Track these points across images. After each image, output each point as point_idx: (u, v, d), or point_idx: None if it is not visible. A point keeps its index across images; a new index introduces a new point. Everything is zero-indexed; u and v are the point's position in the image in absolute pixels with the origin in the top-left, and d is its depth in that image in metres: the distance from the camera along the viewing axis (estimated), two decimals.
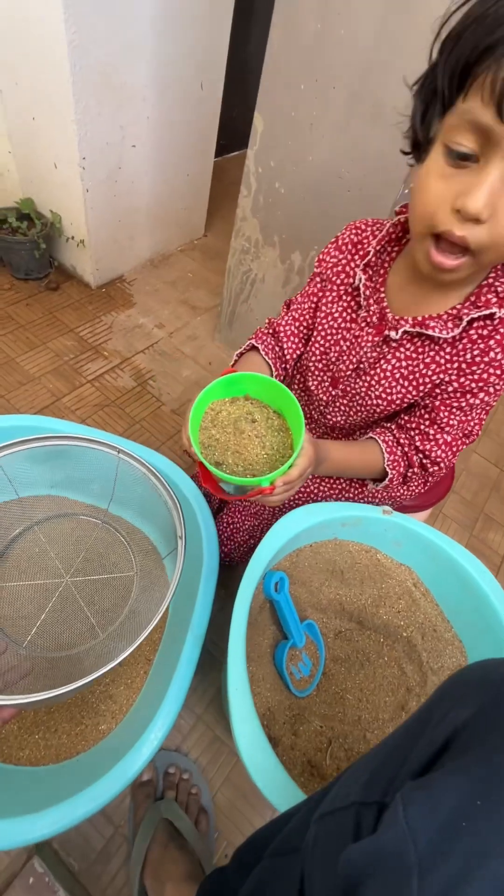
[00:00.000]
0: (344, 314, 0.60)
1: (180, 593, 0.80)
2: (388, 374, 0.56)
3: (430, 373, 0.54)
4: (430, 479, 0.62)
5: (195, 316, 1.39)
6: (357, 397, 0.62)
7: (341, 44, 0.70)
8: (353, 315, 0.59)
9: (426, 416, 0.57)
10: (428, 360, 0.53)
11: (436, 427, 0.56)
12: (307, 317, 0.65)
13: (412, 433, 0.59)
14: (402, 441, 0.60)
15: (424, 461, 0.59)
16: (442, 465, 0.58)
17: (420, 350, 0.54)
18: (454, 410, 0.55)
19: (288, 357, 0.67)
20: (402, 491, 0.66)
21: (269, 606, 0.67)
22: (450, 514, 1.15)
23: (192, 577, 0.70)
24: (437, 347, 0.53)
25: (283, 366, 0.68)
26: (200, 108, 1.30)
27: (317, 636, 0.68)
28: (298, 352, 0.68)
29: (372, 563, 0.70)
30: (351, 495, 0.68)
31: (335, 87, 0.74)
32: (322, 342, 0.63)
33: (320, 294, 0.62)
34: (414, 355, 0.54)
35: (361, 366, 0.59)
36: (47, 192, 1.23)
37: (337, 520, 0.64)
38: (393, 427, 0.60)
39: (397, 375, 0.56)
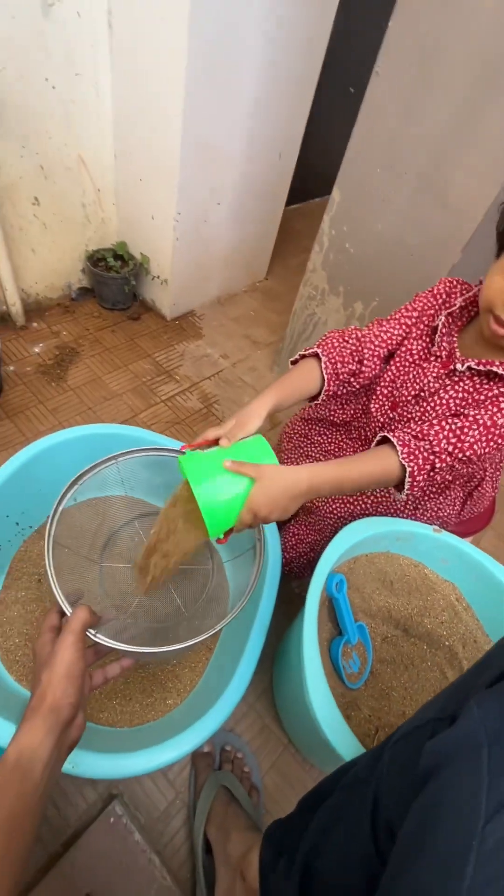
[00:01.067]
0: (420, 350, 0.70)
1: (243, 587, 0.91)
2: (444, 402, 0.67)
3: None
4: (457, 463, 0.59)
5: (256, 350, 1.55)
6: (411, 422, 0.72)
7: (416, 140, 0.85)
8: (426, 352, 0.70)
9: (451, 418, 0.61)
10: (481, 398, 0.64)
11: (461, 417, 0.60)
12: (394, 343, 0.72)
13: (434, 427, 0.61)
14: (417, 434, 0.60)
15: (451, 443, 0.58)
16: (471, 448, 0.58)
17: (477, 386, 0.64)
18: (485, 406, 0.60)
19: (362, 371, 0.70)
20: (431, 491, 0.72)
21: (328, 606, 0.76)
22: (486, 547, 1.21)
23: (258, 585, 0.81)
24: (490, 384, 0.63)
25: (336, 381, 0.70)
26: (276, 173, 1.50)
27: (366, 638, 0.76)
28: (375, 371, 0.72)
29: (419, 577, 0.79)
30: (405, 515, 0.78)
31: (407, 173, 0.89)
32: (395, 370, 0.73)
33: (411, 328, 0.71)
34: (471, 389, 0.65)
35: (422, 394, 0.69)
36: (141, 238, 1.43)
37: (392, 533, 0.74)
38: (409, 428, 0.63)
39: (451, 405, 0.66)
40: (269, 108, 1.30)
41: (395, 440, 0.60)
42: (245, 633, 0.72)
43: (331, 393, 0.71)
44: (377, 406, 0.76)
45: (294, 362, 0.72)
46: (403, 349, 0.72)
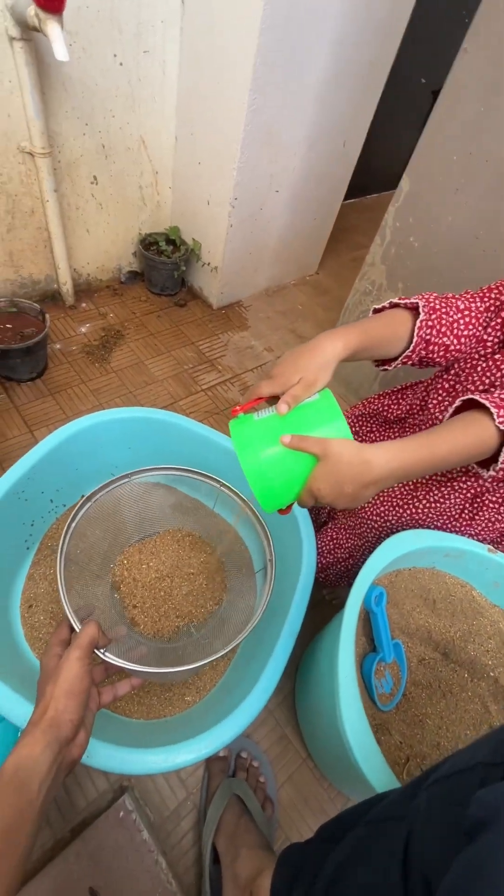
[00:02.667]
0: (495, 341, 0.61)
1: (273, 591, 0.87)
2: None
3: None
4: None
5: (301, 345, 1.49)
6: None
7: (502, 125, 0.78)
8: (500, 343, 0.61)
9: None
10: None
11: None
12: (479, 329, 0.60)
13: None
14: None
15: None
16: None
17: None
18: None
19: (455, 347, 0.58)
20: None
21: (363, 619, 0.71)
22: None
23: (288, 581, 0.77)
24: None
25: (424, 349, 0.58)
26: (338, 163, 1.44)
27: (401, 657, 0.71)
28: (465, 352, 0.60)
29: (466, 599, 0.73)
30: (461, 524, 0.70)
31: (487, 161, 0.82)
32: (461, 361, 0.63)
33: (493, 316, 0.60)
34: None
35: (492, 388, 0.60)
36: (194, 224, 1.41)
37: (441, 549, 0.68)
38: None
39: None
40: (338, 94, 1.24)
41: (488, 403, 0.48)
42: (272, 639, 0.68)
43: (409, 363, 0.59)
44: (436, 401, 0.68)
45: (378, 311, 0.60)
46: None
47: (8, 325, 1.11)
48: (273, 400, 0.53)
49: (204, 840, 0.64)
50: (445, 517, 0.71)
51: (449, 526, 0.71)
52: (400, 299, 0.60)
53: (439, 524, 0.70)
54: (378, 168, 2.24)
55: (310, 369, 0.51)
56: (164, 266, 1.41)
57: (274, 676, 0.63)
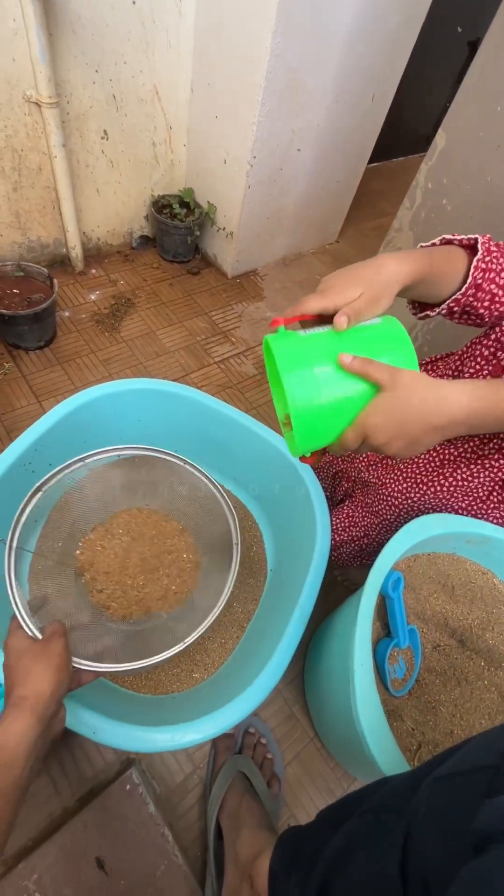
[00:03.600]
0: None
1: (284, 569, 0.85)
2: None
3: None
4: None
5: None
6: None
7: None
8: None
9: None
10: None
11: None
12: None
13: None
14: None
15: None
16: None
17: None
18: None
19: (496, 293, 0.49)
20: None
21: (379, 604, 0.69)
22: None
23: (302, 559, 0.74)
24: None
25: (474, 295, 0.49)
26: (365, 119, 1.34)
27: (416, 643, 0.69)
28: (502, 300, 0.51)
29: (487, 586, 0.70)
30: (488, 507, 0.66)
31: None
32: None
33: None
34: None
35: None
36: (209, 185, 1.33)
37: (464, 535, 0.65)
38: None
39: None
40: (368, 42, 1.14)
41: None
42: (284, 619, 0.66)
43: (454, 308, 0.50)
44: (473, 370, 0.61)
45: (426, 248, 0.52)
46: None
47: (15, 291, 1.07)
48: (322, 321, 0.44)
49: (209, 816, 0.64)
50: (471, 498, 0.67)
51: (475, 508, 0.67)
52: (453, 236, 0.52)
53: (464, 505, 0.66)
54: (407, 127, 2.10)
55: (375, 284, 0.42)
56: (177, 231, 1.34)
57: (284, 659, 0.61)
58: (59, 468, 0.65)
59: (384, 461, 0.74)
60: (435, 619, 0.71)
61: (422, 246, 0.53)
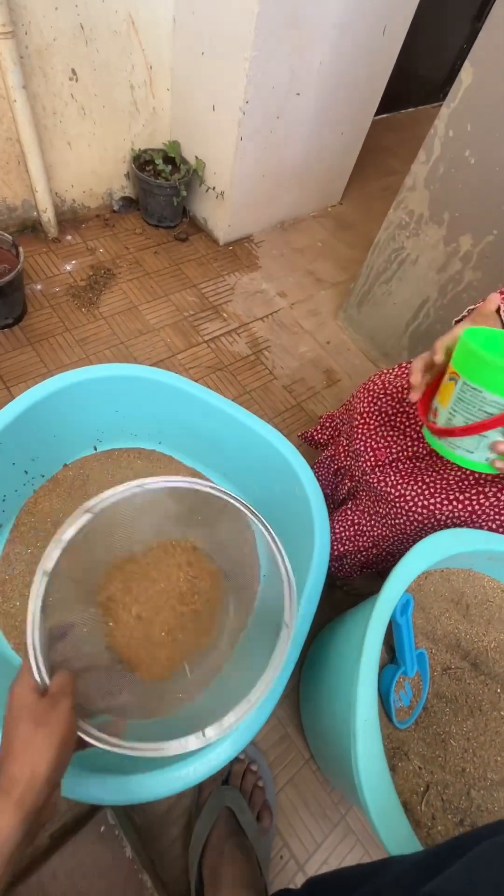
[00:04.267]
0: None
1: (279, 577, 0.77)
2: None
3: None
4: None
5: (319, 289, 1.31)
6: None
7: None
8: None
9: None
10: None
11: None
12: None
13: None
14: None
15: None
16: None
17: None
18: None
19: None
20: None
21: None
22: None
23: (298, 566, 0.66)
24: None
25: None
26: (375, 59, 1.17)
27: (425, 668, 0.62)
28: None
29: None
30: None
31: None
32: None
33: None
34: None
35: None
36: (197, 137, 1.18)
37: (486, 552, 0.56)
38: None
39: None
40: None
41: None
42: (272, 645, 0.58)
43: None
44: None
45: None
46: None
47: None
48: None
49: (191, 860, 0.58)
50: None
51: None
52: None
53: (496, 525, 0.57)
54: (420, 72, 1.89)
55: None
56: (161, 191, 1.19)
57: (275, 692, 0.54)
58: (113, 493, 0.50)
59: (396, 466, 0.64)
60: (446, 640, 0.63)
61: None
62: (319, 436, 0.89)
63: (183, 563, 0.64)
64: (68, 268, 1.16)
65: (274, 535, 0.55)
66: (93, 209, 1.26)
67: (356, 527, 0.69)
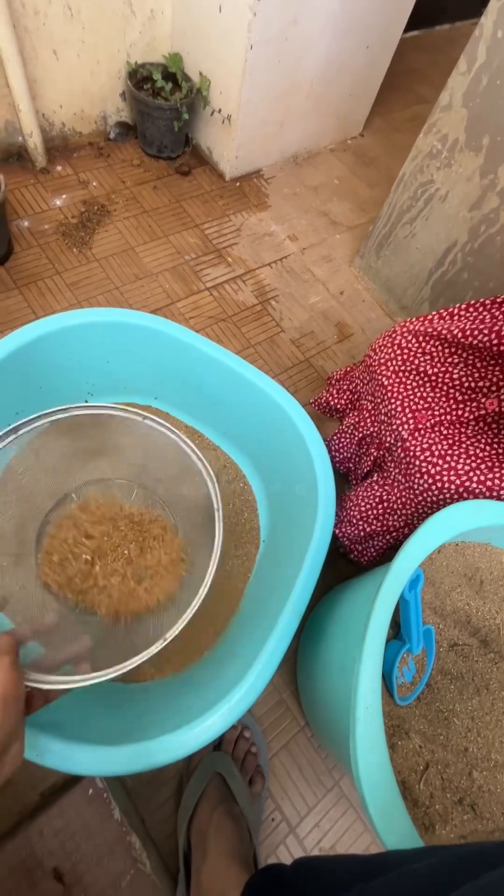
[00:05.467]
0: None
1: (279, 542, 0.73)
2: None
3: None
4: None
5: (335, 233, 1.19)
6: None
7: None
8: None
9: None
10: None
11: None
12: None
13: None
14: None
15: None
16: None
17: None
18: None
19: None
20: None
21: None
22: None
23: (301, 539, 0.61)
24: None
25: None
26: None
27: (431, 644, 0.58)
28: None
29: None
30: None
31: None
32: None
33: None
34: None
35: None
36: (201, 48, 1.03)
37: None
38: None
39: None
40: None
41: None
42: (274, 609, 0.55)
43: None
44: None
45: None
46: None
47: None
48: None
49: (179, 825, 0.58)
50: None
51: None
52: None
53: None
54: None
55: None
56: (161, 113, 1.06)
57: (267, 668, 0.50)
58: None
59: (439, 431, 0.56)
60: (455, 616, 0.59)
61: None
62: (336, 401, 0.79)
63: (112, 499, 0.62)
64: (58, 202, 1.05)
65: (178, 433, 0.55)
66: (85, 135, 1.14)
67: (385, 504, 0.62)
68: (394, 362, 0.60)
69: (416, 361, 0.58)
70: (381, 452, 0.64)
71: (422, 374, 0.58)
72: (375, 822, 0.35)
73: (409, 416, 0.57)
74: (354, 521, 0.64)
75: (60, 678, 0.40)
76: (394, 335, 0.61)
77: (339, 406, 0.78)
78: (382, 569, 0.51)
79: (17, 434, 0.49)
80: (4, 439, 0.48)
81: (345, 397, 0.77)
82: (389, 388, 0.59)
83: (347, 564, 0.80)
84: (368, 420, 0.65)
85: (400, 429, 0.58)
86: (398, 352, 0.59)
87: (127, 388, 0.82)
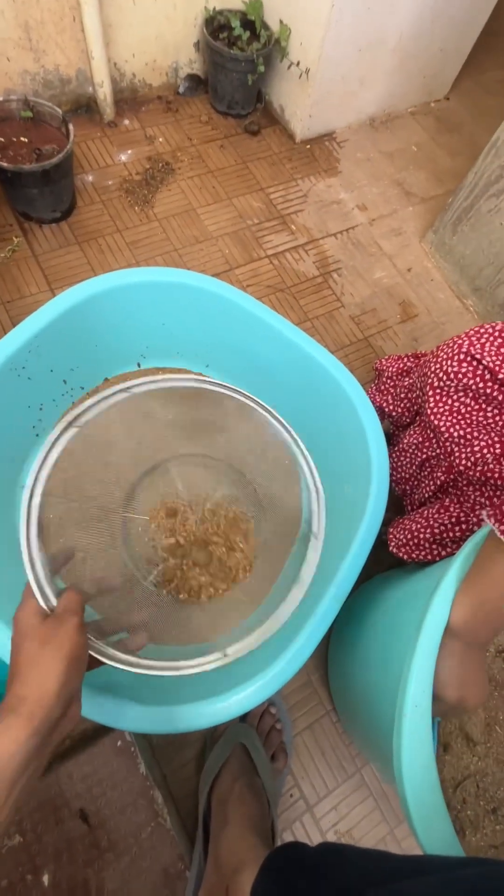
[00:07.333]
0: None
1: (331, 534, 0.71)
2: None
3: None
4: None
5: (408, 205, 1.11)
6: None
7: None
8: None
9: None
10: None
11: None
12: None
13: None
14: None
15: None
16: None
17: None
18: None
19: None
20: None
21: None
22: None
23: (347, 519, 0.59)
24: None
25: None
26: None
27: None
28: None
29: None
30: None
31: None
32: None
33: None
34: None
35: None
36: None
37: None
38: None
39: None
40: None
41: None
42: (315, 592, 0.53)
43: None
44: None
45: None
46: None
47: (22, 139, 0.84)
48: None
49: (201, 788, 0.58)
50: None
51: None
52: None
53: None
54: None
55: None
56: (235, 65, 1.01)
57: (304, 651, 0.49)
58: (91, 400, 0.46)
59: None
60: None
61: None
62: (391, 407, 0.70)
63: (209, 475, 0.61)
64: (123, 158, 1.03)
65: (294, 434, 0.51)
66: (155, 88, 1.10)
67: (463, 525, 0.56)
68: (463, 378, 0.53)
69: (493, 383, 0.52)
70: (450, 477, 0.58)
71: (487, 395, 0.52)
72: (416, 824, 0.34)
73: (496, 439, 0.52)
74: (427, 544, 0.59)
75: (121, 655, 0.40)
76: (462, 344, 0.53)
77: (390, 412, 0.71)
78: (441, 564, 0.48)
79: (129, 392, 0.47)
80: (116, 395, 0.46)
81: (402, 406, 0.69)
82: (455, 413, 0.54)
83: (388, 554, 0.77)
84: (430, 442, 0.60)
85: (482, 453, 0.52)
86: (472, 368, 0.52)
87: (180, 354, 0.81)
